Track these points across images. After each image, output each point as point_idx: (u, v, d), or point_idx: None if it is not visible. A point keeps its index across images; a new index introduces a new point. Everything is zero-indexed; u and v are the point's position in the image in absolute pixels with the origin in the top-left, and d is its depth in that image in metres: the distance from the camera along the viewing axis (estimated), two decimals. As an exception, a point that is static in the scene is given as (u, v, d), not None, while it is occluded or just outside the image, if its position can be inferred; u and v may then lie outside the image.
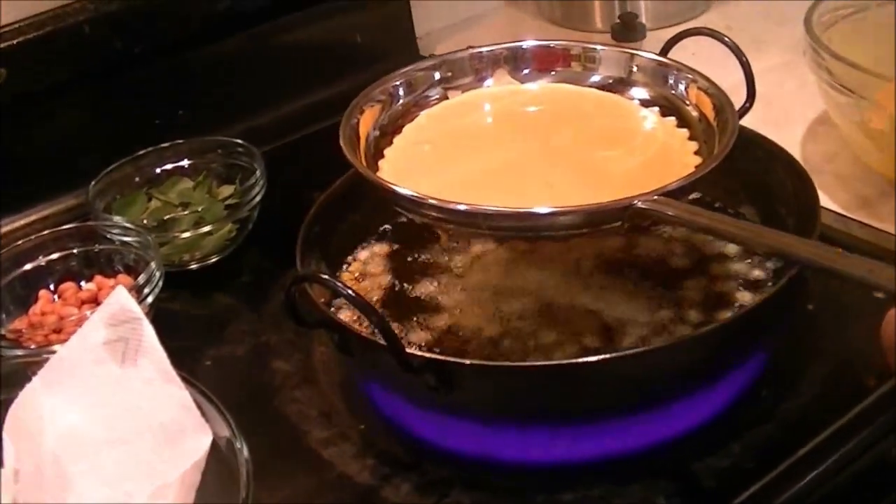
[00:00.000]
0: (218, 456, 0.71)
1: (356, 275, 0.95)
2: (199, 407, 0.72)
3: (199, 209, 1.03)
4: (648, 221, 0.75)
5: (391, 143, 0.87)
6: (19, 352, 0.90)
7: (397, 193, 0.78)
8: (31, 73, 1.11)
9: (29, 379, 0.74)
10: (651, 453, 0.80)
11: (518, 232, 0.80)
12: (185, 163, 1.11)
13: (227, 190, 1.07)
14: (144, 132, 1.15)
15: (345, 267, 0.96)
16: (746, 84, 0.90)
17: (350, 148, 0.82)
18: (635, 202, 0.73)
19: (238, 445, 0.71)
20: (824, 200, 0.87)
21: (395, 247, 0.98)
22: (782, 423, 0.82)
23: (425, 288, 0.92)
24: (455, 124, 0.89)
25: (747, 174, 0.93)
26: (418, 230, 0.98)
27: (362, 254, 0.97)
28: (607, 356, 0.77)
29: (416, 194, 0.77)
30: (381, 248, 0.97)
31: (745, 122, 0.91)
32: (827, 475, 0.79)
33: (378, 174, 0.82)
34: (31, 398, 0.73)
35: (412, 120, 0.89)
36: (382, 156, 0.86)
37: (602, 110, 0.89)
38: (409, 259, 0.96)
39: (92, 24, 1.12)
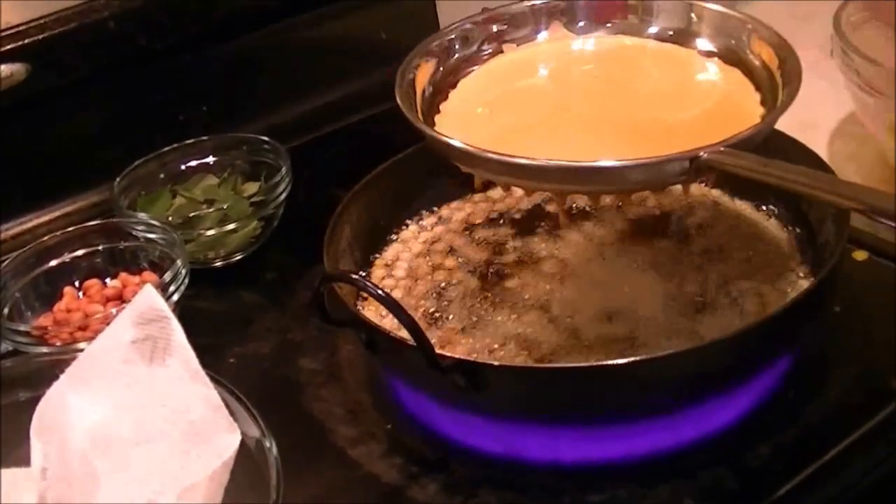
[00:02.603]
0: (246, 455, 0.71)
1: (383, 274, 0.94)
2: (228, 406, 0.72)
3: (224, 206, 1.03)
4: (714, 174, 0.74)
5: (447, 97, 0.86)
6: (44, 349, 0.90)
7: (456, 148, 0.76)
8: (55, 69, 1.11)
9: (56, 377, 0.74)
10: (678, 455, 0.80)
11: (580, 186, 0.78)
12: (210, 160, 1.11)
13: (252, 187, 1.07)
14: (168, 128, 1.15)
15: (371, 265, 0.96)
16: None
17: (406, 103, 0.81)
18: (701, 154, 0.71)
19: (267, 445, 0.71)
20: (851, 203, 0.86)
21: (421, 243, 0.98)
22: (809, 426, 0.81)
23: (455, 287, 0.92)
24: (511, 82, 0.87)
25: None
26: (448, 225, 0.98)
27: (389, 252, 0.97)
28: (634, 359, 0.77)
29: (477, 149, 0.75)
30: (408, 246, 0.97)
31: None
32: (854, 478, 0.79)
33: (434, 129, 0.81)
34: (58, 397, 0.74)
35: (467, 75, 0.88)
36: (438, 111, 0.85)
37: (661, 63, 0.87)
38: (437, 258, 0.96)
39: (116, 20, 1.12)
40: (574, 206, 0.97)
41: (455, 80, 0.87)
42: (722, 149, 0.72)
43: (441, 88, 0.86)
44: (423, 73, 0.85)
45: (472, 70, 0.88)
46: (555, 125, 0.82)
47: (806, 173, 0.73)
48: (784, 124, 0.91)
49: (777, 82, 0.81)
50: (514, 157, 0.73)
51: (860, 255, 0.94)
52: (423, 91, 0.84)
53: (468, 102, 0.85)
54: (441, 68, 0.87)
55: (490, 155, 0.74)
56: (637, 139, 0.79)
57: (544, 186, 0.81)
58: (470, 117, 0.83)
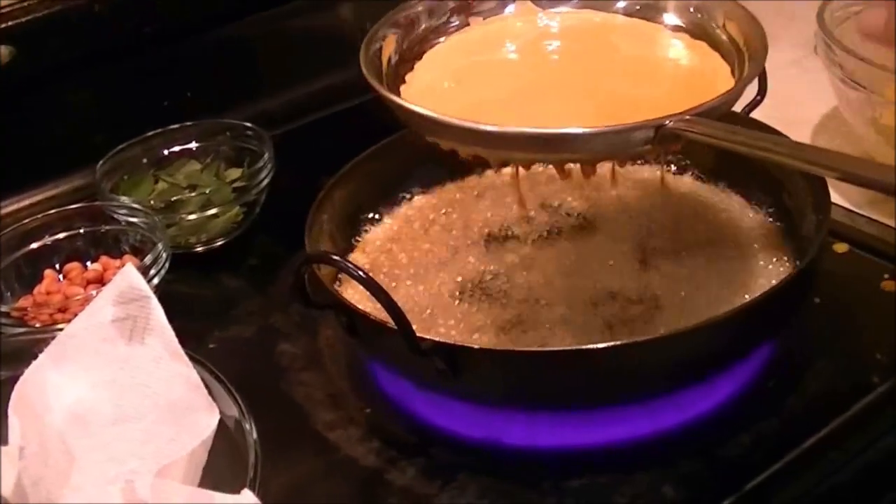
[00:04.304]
0: (225, 435, 0.71)
1: (363, 259, 0.94)
2: (207, 386, 0.72)
3: (207, 191, 1.03)
4: (680, 143, 0.74)
5: (412, 68, 0.86)
6: (23, 330, 0.90)
7: (421, 116, 0.76)
8: (39, 52, 1.10)
9: (35, 357, 0.74)
10: (658, 442, 0.80)
11: (546, 155, 0.78)
12: (194, 145, 1.11)
13: (234, 173, 1.07)
14: (152, 113, 1.15)
15: (352, 250, 0.96)
16: (758, 77, 0.90)
17: (371, 71, 0.81)
18: (667, 122, 0.71)
19: (247, 426, 0.71)
20: (832, 196, 0.86)
21: (402, 229, 0.98)
22: (789, 416, 0.81)
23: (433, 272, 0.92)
24: (477, 54, 0.87)
25: (758, 168, 0.93)
26: (428, 212, 0.98)
27: (370, 236, 0.97)
28: (614, 343, 0.77)
29: (441, 116, 0.75)
30: (387, 231, 0.97)
31: (756, 116, 0.91)
32: (833, 468, 0.79)
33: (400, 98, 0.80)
34: (38, 375, 0.73)
35: (433, 46, 0.88)
36: (403, 81, 0.84)
37: (629, 37, 0.87)
38: (415, 242, 0.96)
39: (101, 4, 1.12)
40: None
41: (421, 52, 0.87)
42: (687, 117, 0.72)
43: (407, 59, 0.86)
44: (389, 43, 0.85)
45: (439, 42, 0.88)
46: (521, 99, 0.82)
47: (772, 139, 0.74)
48: (769, 121, 0.92)
49: (744, 56, 0.81)
50: (478, 123, 0.73)
51: (841, 247, 0.95)
52: (389, 60, 0.84)
53: (433, 73, 0.85)
54: (407, 39, 0.87)
55: (454, 122, 0.74)
56: (605, 112, 0.79)
57: (510, 155, 0.80)
58: (435, 88, 0.84)
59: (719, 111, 0.75)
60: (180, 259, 0.99)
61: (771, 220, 0.93)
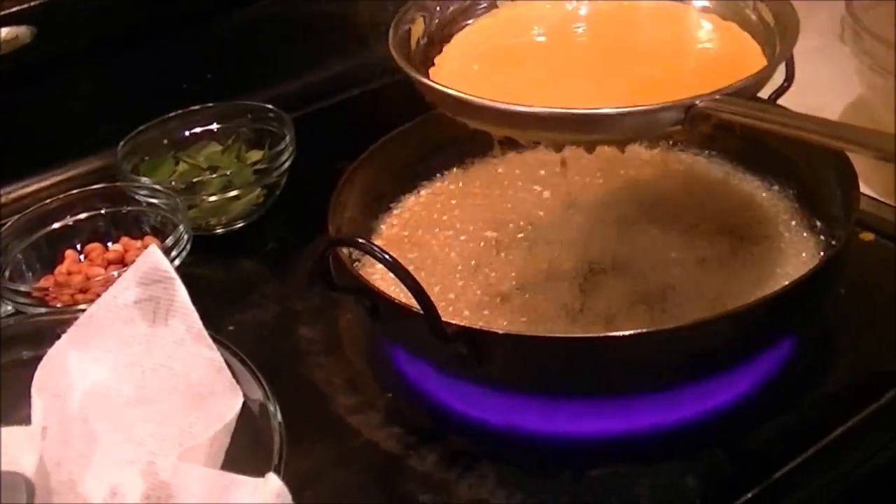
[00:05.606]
0: (249, 418, 0.70)
1: (384, 242, 0.94)
2: (231, 368, 0.71)
3: (228, 173, 1.03)
4: (710, 124, 0.73)
5: (441, 51, 0.85)
6: (44, 310, 0.90)
7: (454, 98, 0.75)
8: (60, 33, 1.10)
9: (57, 337, 0.74)
10: (680, 433, 0.80)
11: (576, 135, 0.77)
12: (214, 127, 1.11)
13: (255, 155, 1.07)
14: (173, 95, 1.14)
15: (373, 234, 0.95)
16: (785, 63, 0.89)
17: (400, 53, 0.80)
18: (697, 102, 0.71)
19: (272, 409, 0.70)
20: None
21: (422, 214, 0.97)
22: (811, 409, 0.81)
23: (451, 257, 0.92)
24: (506, 37, 0.87)
25: (784, 156, 0.93)
26: (448, 197, 0.98)
27: (389, 221, 0.97)
28: (638, 331, 0.77)
29: (474, 98, 0.74)
30: (408, 216, 0.97)
31: (782, 103, 0.91)
32: (856, 462, 0.78)
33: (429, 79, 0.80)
34: (60, 356, 0.73)
35: (461, 29, 0.87)
36: (432, 63, 0.84)
37: (658, 18, 0.87)
38: (435, 228, 0.96)
39: (124, -15, 1.12)
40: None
41: (450, 34, 0.87)
42: (718, 97, 0.71)
43: (435, 41, 0.86)
44: (418, 25, 0.85)
45: (467, 24, 0.88)
46: (550, 81, 0.82)
47: (805, 118, 0.72)
48: (795, 107, 0.91)
49: (774, 36, 0.80)
50: (511, 104, 0.73)
51: (867, 236, 0.94)
52: (418, 42, 0.84)
53: (463, 56, 0.85)
54: (435, 21, 0.86)
55: (487, 103, 0.74)
56: (634, 93, 0.78)
57: (539, 136, 0.79)
58: (465, 71, 0.83)
59: (750, 91, 0.74)
60: (200, 241, 0.99)
61: (797, 207, 0.93)
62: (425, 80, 0.77)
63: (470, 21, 0.88)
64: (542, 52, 0.86)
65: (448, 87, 0.76)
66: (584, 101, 0.77)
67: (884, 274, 0.91)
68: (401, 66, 0.78)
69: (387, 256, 0.74)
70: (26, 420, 0.71)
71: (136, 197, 1.00)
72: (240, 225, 1.05)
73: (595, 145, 0.79)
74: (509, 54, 0.85)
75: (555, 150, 0.82)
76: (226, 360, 0.71)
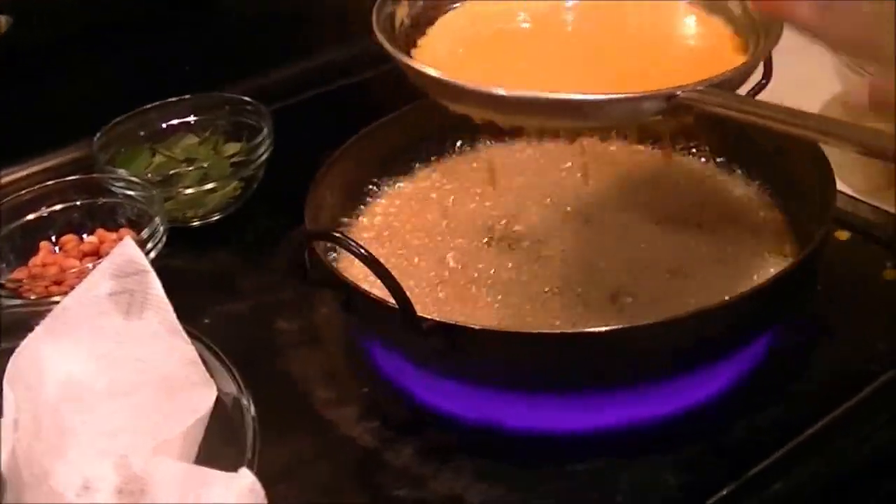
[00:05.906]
0: (222, 412, 0.70)
1: (362, 236, 0.94)
2: (205, 362, 0.71)
3: (205, 165, 1.02)
4: (691, 115, 0.73)
5: (424, 34, 0.85)
6: (18, 302, 0.89)
7: (435, 79, 0.75)
8: (37, 23, 1.10)
9: (31, 329, 0.73)
10: (659, 428, 0.80)
11: (558, 121, 0.78)
12: (192, 119, 1.10)
13: (233, 147, 1.06)
14: (150, 87, 1.13)
15: (351, 228, 0.95)
16: (763, 61, 0.89)
17: (384, 35, 0.79)
18: (678, 92, 0.71)
19: (245, 402, 0.70)
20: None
21: (401, 207, 0.97)
22: (791, 403, 0.81)
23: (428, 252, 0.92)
24: (490, 22, 0.86)
25: (762, 152, 0.93)
26: (428, 190, 0.97)
27: (368, 214, 0.96)
28: (615, 328, 0.77)
29: (455, 80, 0.74)
30: (387, 209, 0.97)
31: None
32: (834, 456, 0.78)
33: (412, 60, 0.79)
34: (33, 348, 0.73)
35: (445, 13, 0.87)
36: (415, 45, 0.84)
37: (644, 10, 0.87)
38: (415, 220, 0.95)
39: (101, -25, 1.11)
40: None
41: (434, 17, 0.86)
42: (700, 88, 0.71)
43: (419, 24, 0.85)
44: (402, 8, 0.84)
45: (452, 8, 0.87)
46: (534, 67, 0.81)
47: (784, 110, 0.71)
48: (774, 105, 0.91)
49: (759, 31, 0.80)
50: (492, 87, 0.73)
51: (843, 234, 0.94)
52: (402, 23, 0.84)
53: (446, 39, 0.84)
54: (419, 4, 0.86)
55: (468, 85, 0.73)
56: (617, 82, 0.78)
57: (521, 120, 0.79)
58: (448, 54, 0.83)
59: (732, 84, 0.75)
60: (176, 233, 0.98)
61: (773, 204, 0.93)
62: (407, 61, 0.77)
63: (456, 5, 0.87)
64: (527, 39, 0.85)
65: (429, 68, 0.76)
66: (567, 87, 0.76)
67: (860, 271, 0.92)
68: (383, 46, 0.78)
69: (362, 251, 0.74)
70: (-1, 412, 0.70)
71: (112, 189, 0.99)
72: (216, 217, 1.04)
73: (576, 133, 0.79)
74: (494, 38, 0.85)
75: (536, 137, 0.82)
76: (200, 354, 0.71)
